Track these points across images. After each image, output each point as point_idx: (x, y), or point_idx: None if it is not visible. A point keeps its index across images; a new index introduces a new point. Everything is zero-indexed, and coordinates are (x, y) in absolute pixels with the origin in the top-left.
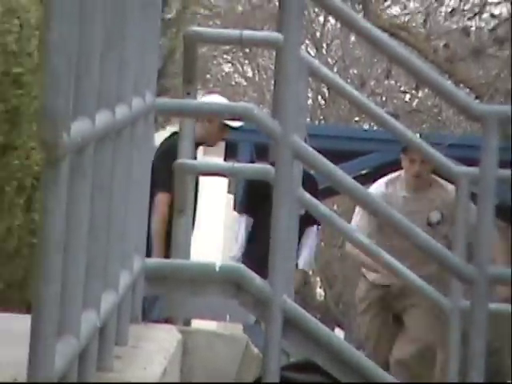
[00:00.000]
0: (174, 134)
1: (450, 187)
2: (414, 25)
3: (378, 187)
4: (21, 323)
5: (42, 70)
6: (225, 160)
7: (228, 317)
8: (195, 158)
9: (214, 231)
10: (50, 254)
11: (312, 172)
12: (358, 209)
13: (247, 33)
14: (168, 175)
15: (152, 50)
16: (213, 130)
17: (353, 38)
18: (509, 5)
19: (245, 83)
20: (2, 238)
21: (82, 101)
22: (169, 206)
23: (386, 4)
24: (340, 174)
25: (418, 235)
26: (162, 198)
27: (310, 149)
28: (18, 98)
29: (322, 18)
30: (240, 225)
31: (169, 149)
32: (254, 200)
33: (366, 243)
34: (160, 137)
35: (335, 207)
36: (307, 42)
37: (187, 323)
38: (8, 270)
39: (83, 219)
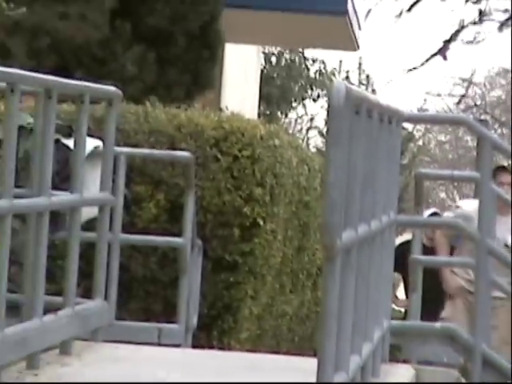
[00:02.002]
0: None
1: None
2: None
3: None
4: (310, 364)
5: (323, 199)
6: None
7: (445, 359)
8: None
9: None
10: (329, 320)
11: None
12: None
13: (456, 172)
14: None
15: (394, 185)
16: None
17: None
18: None
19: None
20: (297, 307)
21: (349, 218)
22: None
23: None
24: None
25: None
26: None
27: (498, 247)
28: (307, 217)
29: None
30: None
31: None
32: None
33: None
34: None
35: None
36: None
37: (420, 363)
38: (301, 329)
39: (350, 296)
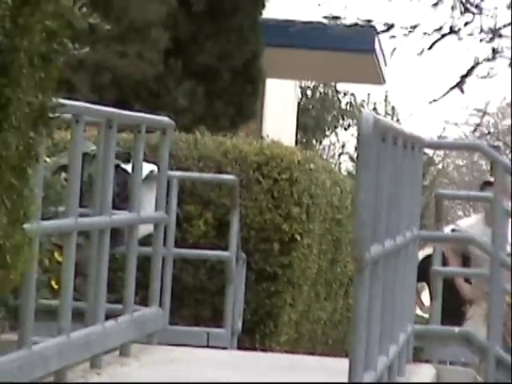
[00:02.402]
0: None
1: None
2: None
3: (474, 219)
4: (342, 364)
5: (353, 217)
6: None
7: (462, 359)
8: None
9: None
10: (360, 324)
11: None
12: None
13: (472, 193)
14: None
15: (416, 204)
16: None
17: None
18: None
19: None
20: (331, 313)
21: (377, 233)
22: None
23: None
24: None
25: None
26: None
27: (509, 259)
28: (339, 233)
29: None
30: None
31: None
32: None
33: None
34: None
35: None
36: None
37: (440, 363)
38: (334, 333)
39: (378, 303)
